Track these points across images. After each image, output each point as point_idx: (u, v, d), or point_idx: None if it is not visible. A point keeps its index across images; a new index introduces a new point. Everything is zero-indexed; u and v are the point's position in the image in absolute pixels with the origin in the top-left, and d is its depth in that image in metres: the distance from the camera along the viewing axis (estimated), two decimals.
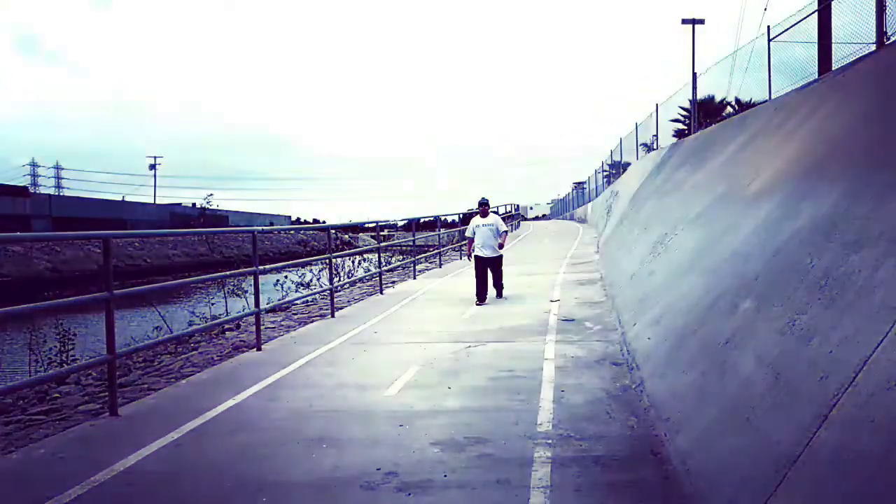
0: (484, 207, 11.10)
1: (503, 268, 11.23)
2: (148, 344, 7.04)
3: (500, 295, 11.01)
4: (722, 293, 4.98)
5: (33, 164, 71.76)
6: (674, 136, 22.80)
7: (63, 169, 72.78)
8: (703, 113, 19.84)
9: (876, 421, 2.23)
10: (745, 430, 3.07)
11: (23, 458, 4.35)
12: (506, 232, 11.32)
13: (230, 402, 5.37)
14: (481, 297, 10.58)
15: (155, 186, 70.03)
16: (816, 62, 10.00)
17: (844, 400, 2.47)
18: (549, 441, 4.18)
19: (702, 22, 25.73)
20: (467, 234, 11.45)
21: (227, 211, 63.20)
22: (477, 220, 11.17)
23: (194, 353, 8.30)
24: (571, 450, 4.03)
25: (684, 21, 25.57)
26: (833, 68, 9.21)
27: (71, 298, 5.51)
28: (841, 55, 9.41)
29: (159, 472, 3.95)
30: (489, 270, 10.85)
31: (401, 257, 23.38)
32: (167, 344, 8.88)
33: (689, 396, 4.08)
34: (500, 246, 11.08)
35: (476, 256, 11.02)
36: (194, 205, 58.65)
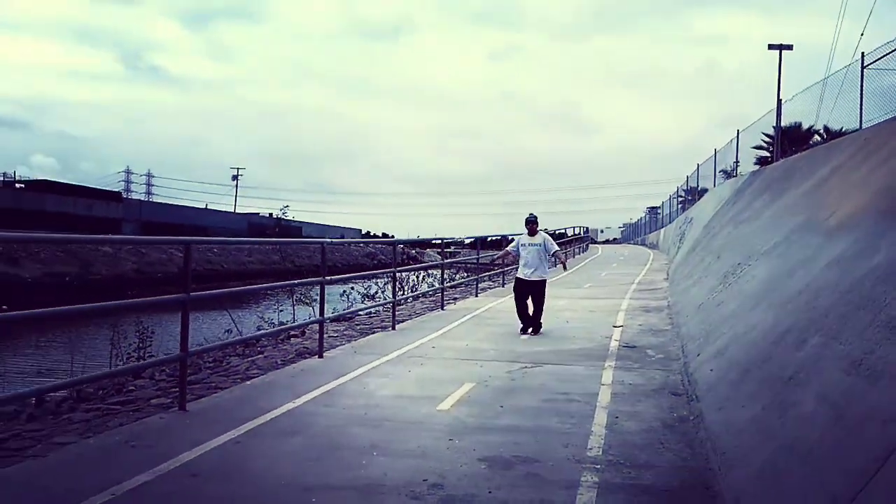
0: (532, 225, 9.97)
1: (545, 297, 9.93)
2: (217, 345, 7.39)
3: (537, 329, 9.64)
4: (790, 328, 4.79)
5: (127, 172, 76.96)
6: (756, 163, 22.00)
7: (153, 177, 77.78)
8: (789, 140, 19.08)
9: None
10: (802, 469, 2.95)
11: (99, 443, 4.66)
12: (558, 251, 10.44)
13: (289, 406, 5.57)
14: (526, 323, 9.71)
15: (236, 196, 73.59)
16: None
17: None
18: (598, 466, 4.13)
19: (790, 48, 24.77)
20: (509, 247, 10.52)
21: (301, 222, 65.35)
22: (524, 238, 10.08)
23: (260, 356, 8.63)
24: (620, 477, 3.96)
25: (771, 47, 24.70)
26: None
27: (151, 298, 5.88)
28: None
29: (219, 466, 4.15)
30: (531, 296, 9.74)
31: (465, 274, 23.47)
32: (236, 346, 9.27)
33: (748, 431, 3.94)
34: (564, 265, 10.74)
35: (518, 279, 10.05)
36: (270, 215, 61.04)
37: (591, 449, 4.48)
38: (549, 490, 3.76)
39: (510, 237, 21.16)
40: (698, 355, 6.76)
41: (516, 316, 9.85)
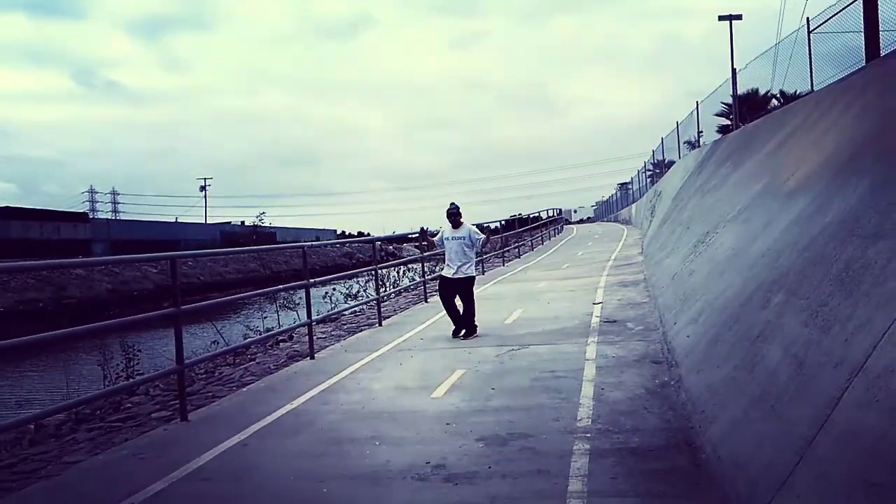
0: (454, 217, 8.89)
1: (475, 298, 8.79)
2: (211, 355, 7.53)
3: (469, 332, 8.51)
4: (756, 289, 5.10)
5: (91, 191, 75.76)
6: (718, 131, 22.57)
7: (119, 194, 76.63)
8: (748, 107, 19.62)
9: (880, 401, 2.41)
10: (770, 417, 3.25)
11: (108, 458, 4.81)
12: (484, 238, 9.23)
13: (288, 407, 5.76)
14: (458, 324, 8.64)
15: (206, 207, 72.59)
16: (864, 50, 9.87)
17: (855, 384, 2.65)
18: (588, 435, 4.41)
19: (739, 17, 25.35)
20: (434, 239, 9.35)
21: (274, 228, 64.83)
22: (446, 231, 8.96)
23: (252, 363, 8.77)
24: (609, 442, 4.24)
25: (721, 18, 25.24)
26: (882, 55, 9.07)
27: (141, 315, 5.99)
28: (888, 41, 9.28)
29: (230, 468, 4.34)
30: (458, 296, 8.74)
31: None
32: (226, 356, 9.39)
33: (723, 389, 4.25)
34: (482, 249, 9.43)
35: (441, 278, 9.04)
36: (243, 223, 60.55)
37: (580, 420, 4.75)
38: (545, 461, 4.02)
39: (485, 225, 21.45)
40: (675, 324, 7.08)
41: (498, 302, 10.07)
